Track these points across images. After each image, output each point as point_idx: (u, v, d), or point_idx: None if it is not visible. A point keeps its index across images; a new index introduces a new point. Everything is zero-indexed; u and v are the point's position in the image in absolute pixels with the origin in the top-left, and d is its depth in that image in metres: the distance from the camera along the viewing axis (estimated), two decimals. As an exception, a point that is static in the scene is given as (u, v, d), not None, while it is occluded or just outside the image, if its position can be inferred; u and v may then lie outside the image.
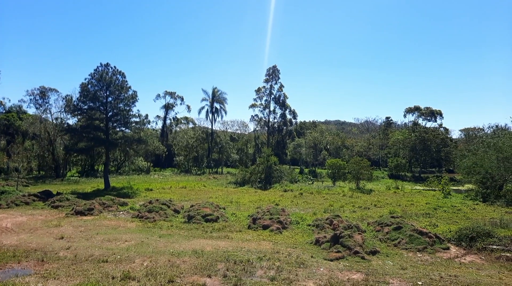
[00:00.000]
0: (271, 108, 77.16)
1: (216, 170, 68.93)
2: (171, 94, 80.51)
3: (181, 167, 68.25)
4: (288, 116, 79.09)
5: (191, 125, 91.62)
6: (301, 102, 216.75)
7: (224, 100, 71.37)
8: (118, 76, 36.02)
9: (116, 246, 13.54)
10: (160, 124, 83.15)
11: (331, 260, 12.05)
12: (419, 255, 13.38)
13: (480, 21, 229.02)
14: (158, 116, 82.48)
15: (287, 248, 13.67)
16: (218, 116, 72.11)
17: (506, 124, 72.07)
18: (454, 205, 26.29)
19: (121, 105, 36.09)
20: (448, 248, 14.24)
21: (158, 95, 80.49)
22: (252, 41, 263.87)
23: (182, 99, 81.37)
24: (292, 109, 78.92)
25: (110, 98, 35.76)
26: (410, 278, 9.91)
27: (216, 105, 70.82)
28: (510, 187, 33.10)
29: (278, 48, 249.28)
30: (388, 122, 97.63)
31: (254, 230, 17.56)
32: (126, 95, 36.15)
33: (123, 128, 37.91)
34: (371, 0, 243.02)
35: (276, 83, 76.49)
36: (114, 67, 36.05)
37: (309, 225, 18.30)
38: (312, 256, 12.46)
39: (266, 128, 78.54)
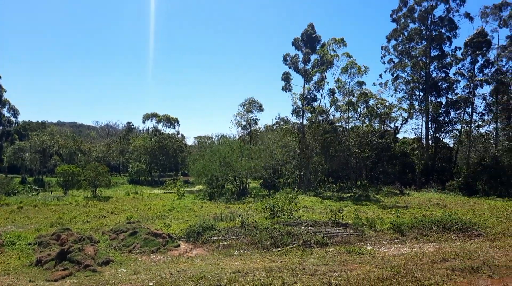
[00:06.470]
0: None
1: None
2: None
3: None
4: (6, 114, 65.82)
5: None
6: (26, 99, 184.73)
7: None
8: None
9: None
10: None
11: (56, 280, 10.43)
12: (152, 256, 13.71)
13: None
14: None
15: (-7, 278, 10.76)
16: None
17: (227, 133, 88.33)
18: (187, 205, 29.05)
19: None
20: (179, 246, 15.34)
21: None
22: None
23: None
24: (11, 105, 66.18)
25: None
26: (142, 281, 9.91)
27: None
28: (229, 186, 40.45)
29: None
30: (129, 127, 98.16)
31: None
32: None
33: None
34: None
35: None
36: None
37: (30, 244, 15.27)
38: (30, 281, 10.37)
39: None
